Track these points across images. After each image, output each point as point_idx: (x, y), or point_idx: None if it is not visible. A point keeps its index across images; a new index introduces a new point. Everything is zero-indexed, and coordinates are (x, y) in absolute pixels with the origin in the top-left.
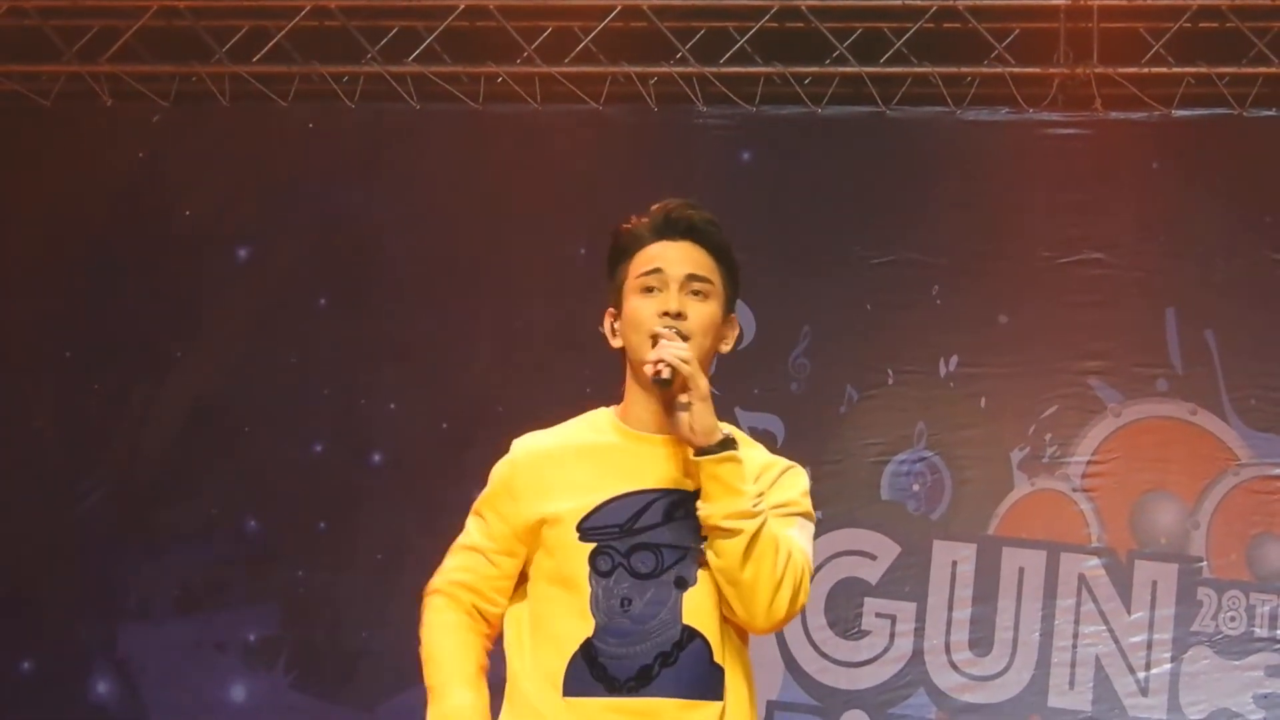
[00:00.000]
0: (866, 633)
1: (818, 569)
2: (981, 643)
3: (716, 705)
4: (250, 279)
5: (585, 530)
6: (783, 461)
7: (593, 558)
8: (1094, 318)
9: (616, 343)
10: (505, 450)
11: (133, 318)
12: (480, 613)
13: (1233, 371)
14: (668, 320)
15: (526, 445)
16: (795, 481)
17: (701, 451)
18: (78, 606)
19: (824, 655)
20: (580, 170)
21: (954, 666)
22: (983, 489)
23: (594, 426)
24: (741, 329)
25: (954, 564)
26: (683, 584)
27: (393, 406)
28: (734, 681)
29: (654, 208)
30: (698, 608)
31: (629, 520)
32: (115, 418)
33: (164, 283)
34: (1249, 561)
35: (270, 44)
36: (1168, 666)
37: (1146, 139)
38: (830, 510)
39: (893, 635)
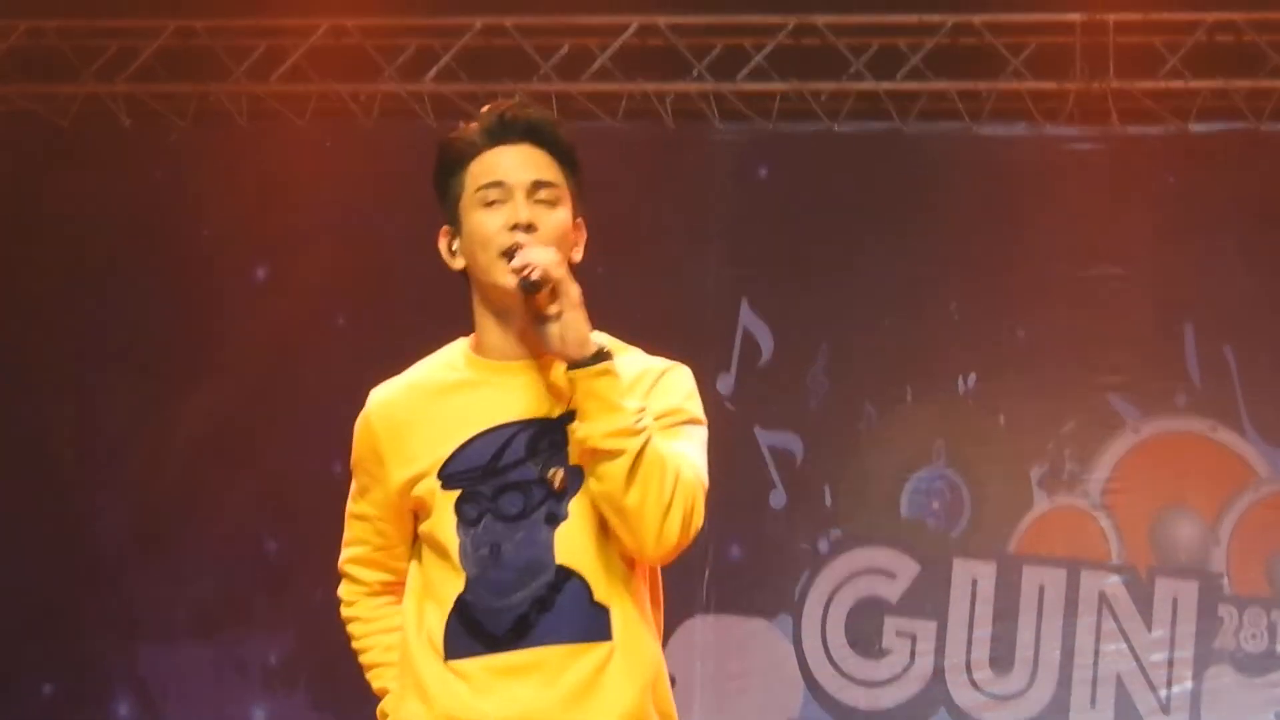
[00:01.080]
0: (887, 651)
1: (838, 587)
2: (1002, 661)
3: (604, 646)
4: (269, 298)
5: (447, 477)
6: (661, 361)
7: (458, 506)
8: (1112, 333)
9: (457, 264)
10: None
11: (152, 337)
12: (389, 586)
13: (1252, 387)
14: (519, 234)
15: (380, 397)
16: (678, 384)
17: (574, 365)
18: (98, 629)
19: (844, 674)
20: (597, 187)
21: (975, 685)
22: (1002, 506)
23: (448, 363)
24: (757, 339)
25: (974, 582)
26: (554, 520)
27: None
28: (623, 619)
29: (485, 109)
30: (572, 544)
31: (491, 459)
32: (134, 438)
33: (183, 302)
34: (1270, 578)
35: (288, 63)
36: (1189, 684)
37: (1163, 153)
38: (849, 528)
39: (913, 654)
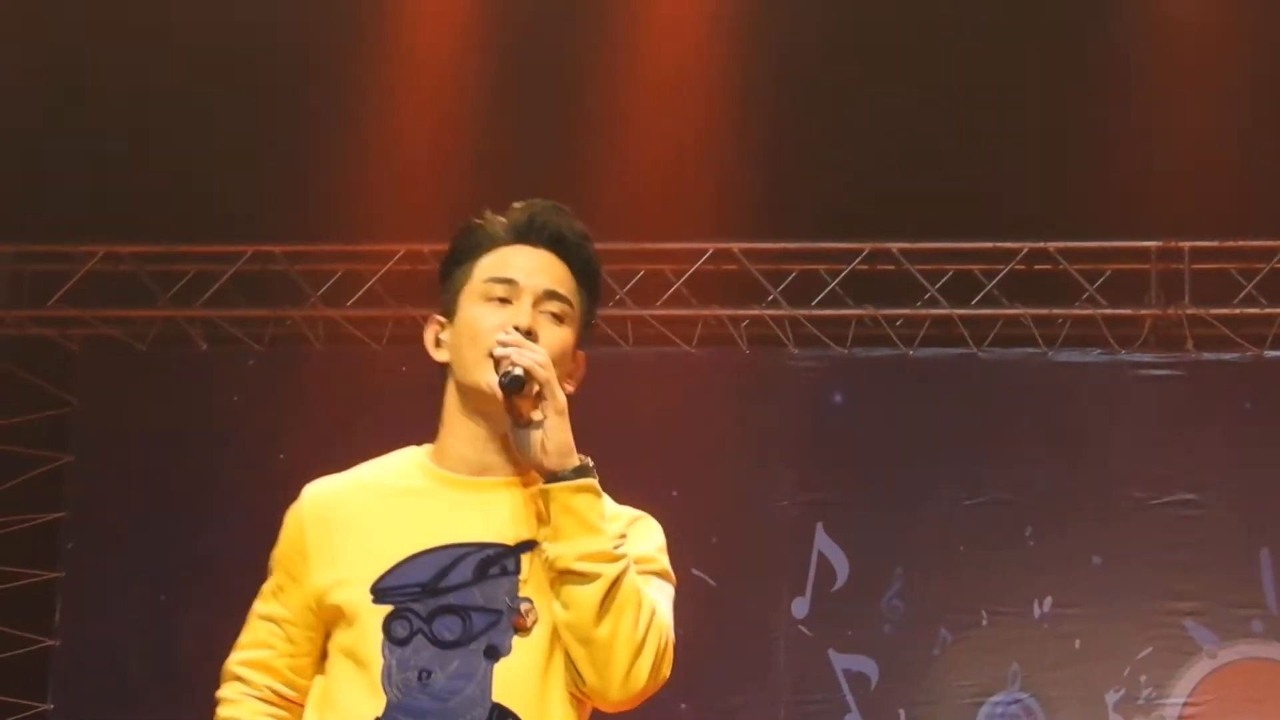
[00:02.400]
0: None
1: None
2: None
3: None
4: None
5: (380, 591)
6: (630, 510)
7: (387, 623)
8: (1187, 559)
9: (440, 355)
10: None
11: (227, 562)
12: (280, 696)
13: None
14: (516, 336)
15: (316, 492)
16: (650, 533)
17: (553, 478)
18: None
19: None
20: (672, 412)
21: None
22: None
23: (399, 470)
24: (833, 563)
25: None
26: (494, 654)
27: None
28: None
29: (516, 205)
30: (513, 682)
31: (433, 579)
32: (207, 659)
33: (260, 527)
34: None
35: (364, 288)
36: None
37: (1239, 379)
38: None
39: None
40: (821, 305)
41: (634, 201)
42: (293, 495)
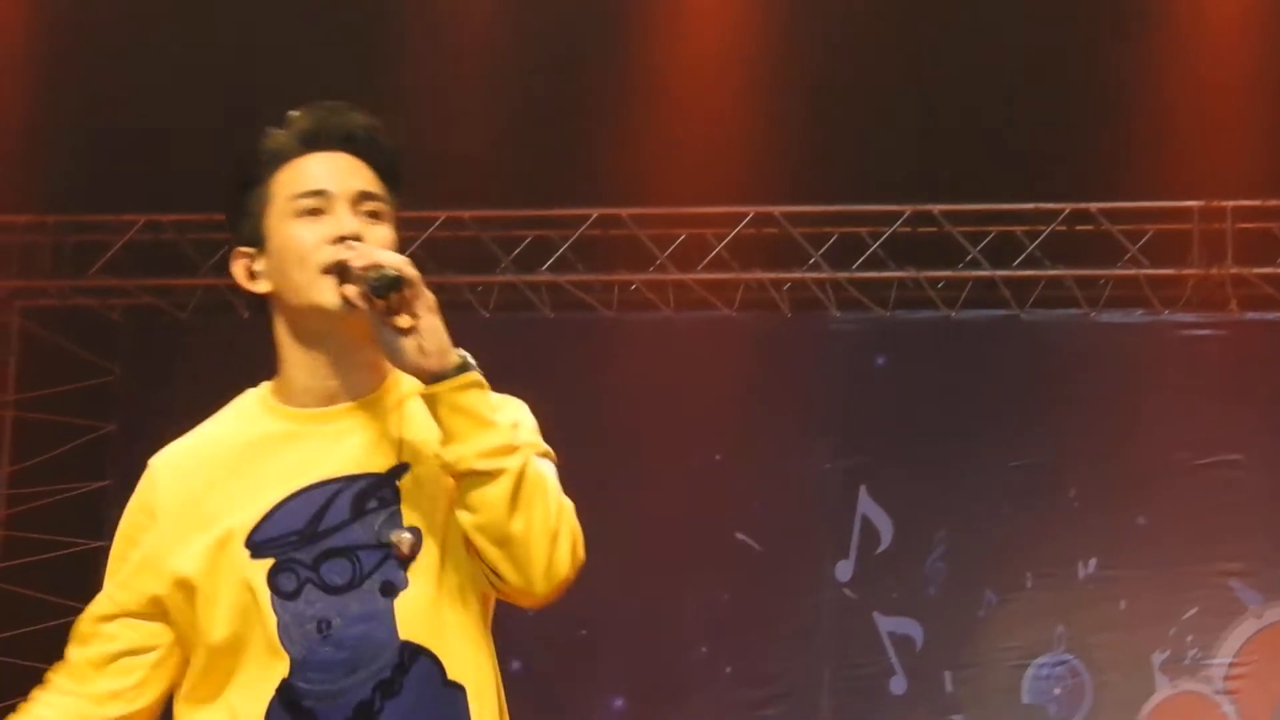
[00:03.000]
0: None
1: None
2: None
3: None
4: None
5: (257, 545)
6: (495, 395)
7: (271, 577)
8: (1232, 519)
9: (259, 286)
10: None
11: None
12: (114, 693)
13: None
14: (341, 254)
15: (165, 457)
16: (522, 414)
17: (437, 378)
18: None
19: None
20: (715, 376)
21: None
22: (1124, 692)
23: (244, 414)
24: (877, 526)
25: None
26: (390, 590)
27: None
28: (480, 700)
29: (296, 113)
30: (416, 615)
31: (310, 522)
32: None
33: None
34: None
35: (405, 253)
36: None
37: None
38: (970, 714)
39: None
40: (863, 268)
41: (675, 166)
42: None
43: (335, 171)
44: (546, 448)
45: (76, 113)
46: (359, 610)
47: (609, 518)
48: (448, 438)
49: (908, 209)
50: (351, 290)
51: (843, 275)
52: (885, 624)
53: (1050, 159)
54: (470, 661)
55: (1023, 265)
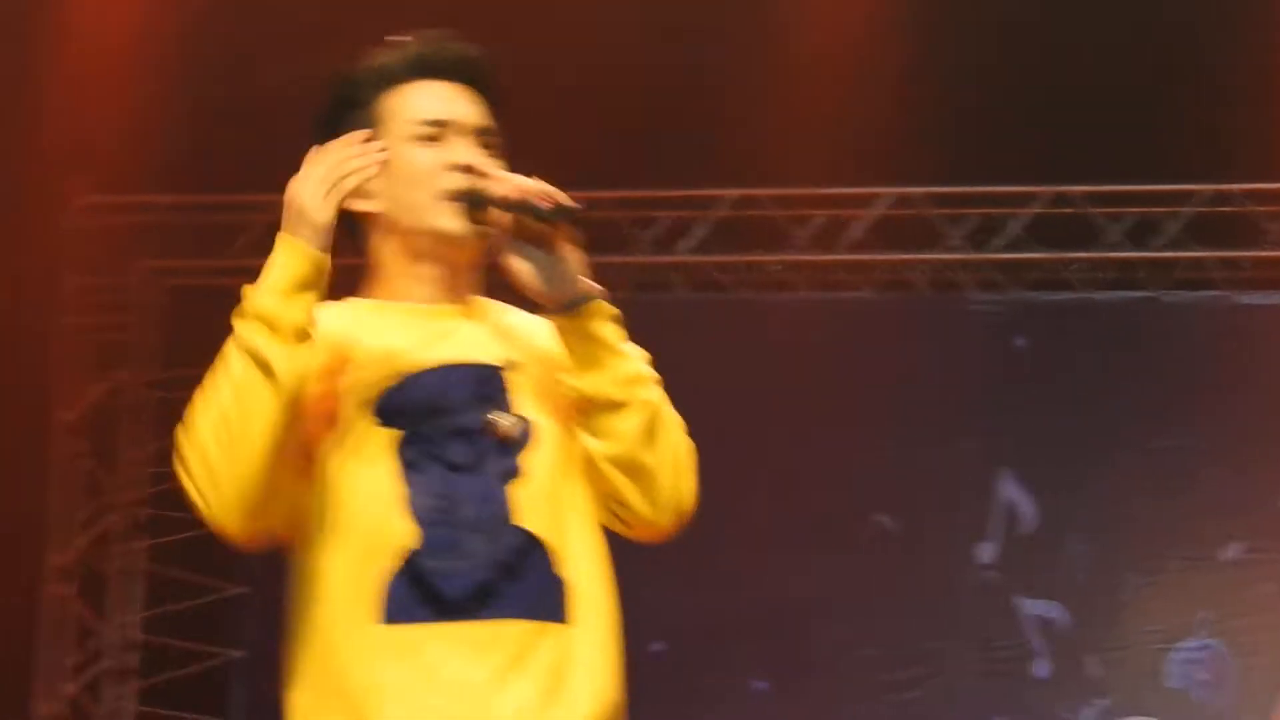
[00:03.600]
0: None
1: None
2: None
3: (561, 630)
4: None
5: (387, 412)
6: None
7: (402, 449)
8: None
9: (369, 206)
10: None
11: None
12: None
13: None
14: (463, 181)
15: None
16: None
17: (574, 303)
18: None
19: None
20: (853, 358)
21: None
22: (1269, 675)
23: (354, 308)
24: (1018, 508)
25: None
26: (507, 475)
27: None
28: (588, 595)
29: (409, 38)
30: (531, 505)
31: (435, 400)
32: None
33: None
34: None
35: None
36: None
37: None
38: (1114, 698)
39: None
40: (1003, 249)
41: (813, 146)
42: None
43: (454, 102)
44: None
45: (219, 90)
46: (480, 491)
47: (746, 500)
48: (580, 364)
49: (1048, 190)
50: (455, 227)
51: (982, 256)
52: (1027, 607)
53: (1192, 140)
54: (581, 554)
55: (1163, 247)
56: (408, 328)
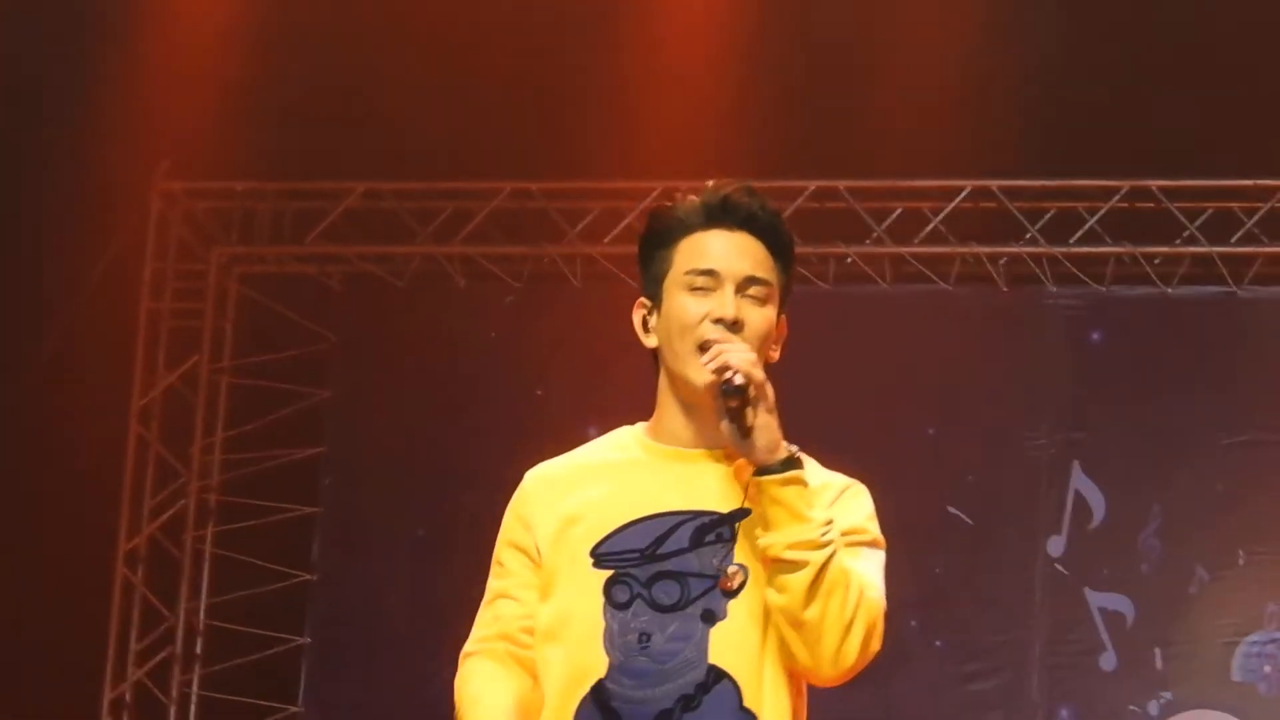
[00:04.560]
0: None
1: None
2: None
3: None
4: None
5: (600, 556)
6: (840, 479)
7: (608, 587)
8: None
9: (650, 341)
10: None
11: (485, 499)
12: (519, 661)
13: None
14: (722, 329)
15: (538, 472)
16: (859, 503)
17: (764, 470)
18: None
19: None
20: (930, 350)
21: None
22: None
23: (617, 444)
24: (1089, 502)
25: None
26: (710, 618)
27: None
28: None
29: (708, 184)
30: (728, 645)
31: (651, 545)
32: (467, 596)
33: (518, 463)
34: None
35: (622, 224)
36: None
37: None
38: (1180, 691)
39: None
40: (1080, 243)
41: (892, 138)
42: (552, 431)
43: (728, 252)
44: (875, 536)
45: (296, 79)
46: (679, 630)
47: None
48: (766, 525)
49: (1125, 184)
50: (705, 378)
51: (1059, 250)
52: (1096, 600)
53: (1269, 135)
54: (768, 696)
55: (1241, 242)
56: (645, 475)
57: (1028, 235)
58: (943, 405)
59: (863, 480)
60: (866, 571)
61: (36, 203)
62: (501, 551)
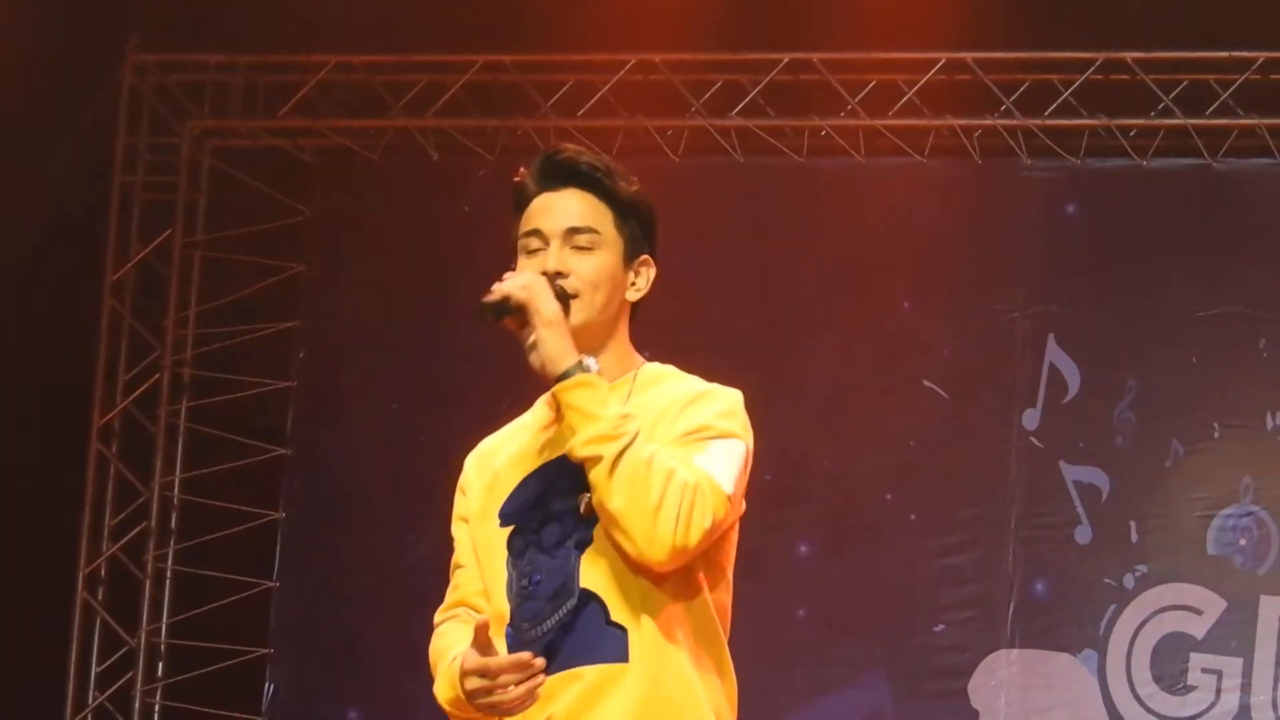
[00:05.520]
0: (1192, 688)
1: (1143, 623)
2: None
3: (617, 668)
4: None
5: (505, 515)
6: (702, 384)
7: (511, 540)
8: None
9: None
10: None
11: (458, 370)
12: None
13: None
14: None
15: (479, 448)
16: (711, 402)
17: (554, 381)
18: (405, 657)
19: (1150, 710)
20: (904, 223)
21: None
22: None
23: (540, 404)
24: (1064, 375)
25: None
26: (581, 545)
27: None
28: (645, 640)
29: (541, 154)
30: (594, 567)
31: (541, 493)
32: (441, 468)
33: (491, 335)
34: None
35: (595, 98)
36: None
37: None
38: (1156, 565)
39: (1219, 691)
40: (1055, 115)
41: (866, 11)
42: None
43: (550, 210)
44: (725, 430)
45: None
46: (557, 565)
47: (796, 364)
48: (569, 432)
49: (1100, 56)
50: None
51: (1034, 122)
52: (1071, 473)
53: (1247, 6)
54: (637, 606)
55: (1216, 114)
56: (540, 431)
57: (1002, 108)
58: (917, 278)
59: (838, 354)
60: (702, 461)
61: (6, 76)
62: (453, 526)
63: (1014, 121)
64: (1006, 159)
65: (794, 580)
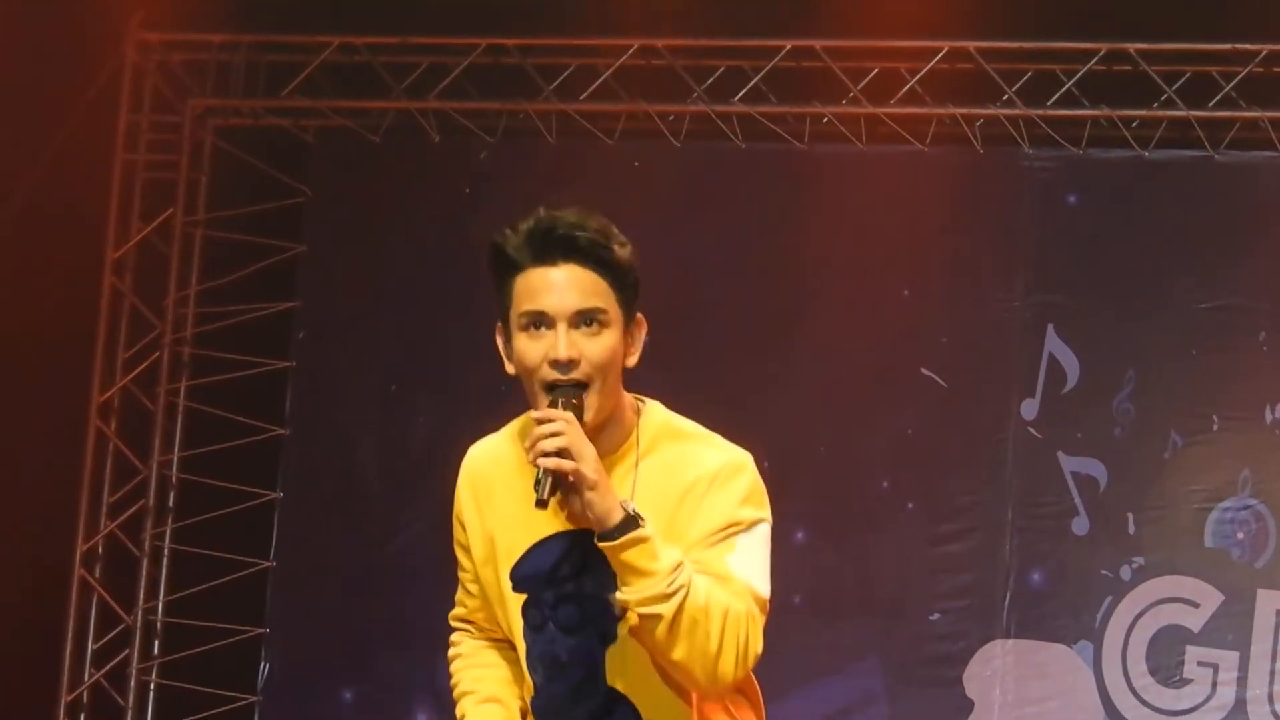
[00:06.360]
0: (1188, 681)
1: (1140, 615)
2: None
3: None
4: None
5: (516, 580)
6: (716, 461)
7: (525, 610)
8: None
9: (510, 369)
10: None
11: (460, 350)
12: (491, 638)
13: None
14: (557, 375)
15: (469, 464)
16: (730, 491)
17: (603, 537)
18: (399, 637)
19: (1145, 703)
20: (905, 211)
21: (1277, 717)
22: None
23: (530, 419)
24: (1063, 365)
25: (1278, 613)
26: (605, 640)
27: None
28: None
29: (531, 221)
30: (622, 666)
31: (553, 567)
32: (438, 450)
33: (492, 317)
34: None
35: (597, 82)
36: None
37: None
38: (1153, 557)
39: (1215, 684)
40: (1057, 105)
41: None
42: None
43: (555, 291)
44: (748, 519)
45: None
46: (581, 653)
47: (795, 350)
48: (619, 583)
49: (1103, 46)
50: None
51: (1036, 112)
52: (1069, 464)
53: None
54: (669, 708)
55: (1218, 106)
56: (528, 478)
57: (1004, 97)
58: (917, 267)
59: (838, 341)
60: (736, 569)
61: (9, 54)
62: (455, 547)
63: (1016, 111)
64: (1008, 148)
65: (790, 566)
